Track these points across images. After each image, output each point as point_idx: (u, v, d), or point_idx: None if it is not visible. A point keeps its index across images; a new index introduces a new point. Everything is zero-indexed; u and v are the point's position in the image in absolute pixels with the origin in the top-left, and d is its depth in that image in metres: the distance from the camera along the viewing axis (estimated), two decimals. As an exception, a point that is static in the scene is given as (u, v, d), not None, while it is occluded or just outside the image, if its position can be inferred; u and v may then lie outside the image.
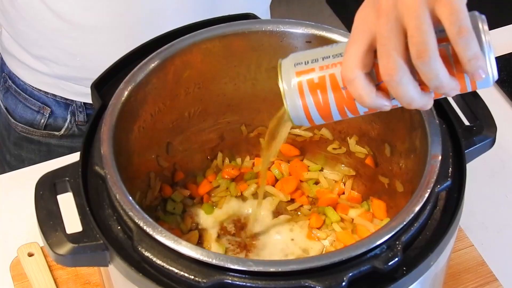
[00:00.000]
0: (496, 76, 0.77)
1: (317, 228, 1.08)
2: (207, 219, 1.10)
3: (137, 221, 0.81)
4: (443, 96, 0.81)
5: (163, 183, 1.10)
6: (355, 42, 0.77)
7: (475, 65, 0.74)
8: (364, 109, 0.82)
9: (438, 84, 0.75)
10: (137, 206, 0.83)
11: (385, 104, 0.79)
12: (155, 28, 1.05)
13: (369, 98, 0.77)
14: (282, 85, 0.84)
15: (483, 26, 0.77)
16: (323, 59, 0.82)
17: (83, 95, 1.38)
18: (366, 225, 1.08)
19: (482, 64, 0.74)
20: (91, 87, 0.97)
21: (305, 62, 0.83)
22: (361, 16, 0.78)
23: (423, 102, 0.78)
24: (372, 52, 0.77)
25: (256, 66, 1.06)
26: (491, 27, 1.55)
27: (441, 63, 0.74)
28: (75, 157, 0.93)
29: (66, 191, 0.90)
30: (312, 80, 0.82)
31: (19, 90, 1.42)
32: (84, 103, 1.41)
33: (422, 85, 0.77)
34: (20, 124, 1.44)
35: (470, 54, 0.73)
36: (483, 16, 0.78)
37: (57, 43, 1.30)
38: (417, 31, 0.73)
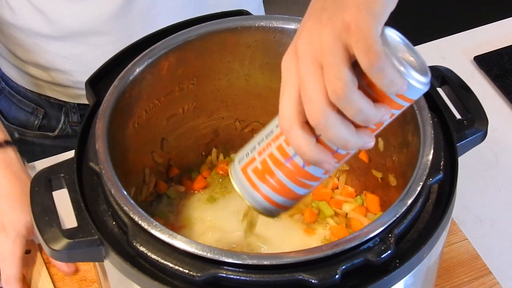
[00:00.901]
0: (427, 79, 0.74)
1: (311, 222, 1.09)
2: (202, 213, 1.10)
3: (132, 216, 0.82)
4: (382, 127, 0.77)
5: (158, 179, 1.11)
6: (284, 93, 0.74)
7: (395, 89, 0.71)
8: (317, 171, 0.80)
9: (364, 117, 0.72)
10: (132, 201, 0.83)
11: (326, 156, 0.75)
12: (147, 29, 1.06)
13: (309, 148, 0.74)
14: (236, 186, 0.84)
15: (396, 43, 0.74)
16: (259, 144, 0.82)
17: (76, 96, 1.39)
18: (360, 219, 1.08)
19: (401, 84, 0.71)
20: (86, 83, 0.97)
21: (245, 155, 0.83)
22: (285, 64, 0.75)
23: (361, 141, 0.74)
24: None
25: (249, 62, 1.06)
26: (484, 21, 1.56)
27: (360, 95, 0.71)
28: (69, 155, 0.93)
29: (61, 187, 0.90)
30: (256, 168, 0.82)
31: (12, 92, 1.42)
32: (77, 104, 1.41)
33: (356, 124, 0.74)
34: (13, 126, 1.44)
35: (386, 81, 0.70)
36: (392, 31, 0.75)
37: (48, 47, 1.30)
38: (330, 67, 0.70)
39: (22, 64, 1.36)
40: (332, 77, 0.70)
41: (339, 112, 0.72)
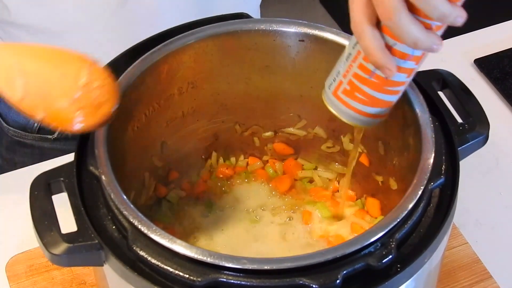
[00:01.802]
0: None
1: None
2: (202, 217, 1.10)
3: (131, 220, 0.82)
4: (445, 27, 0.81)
5: (158, 183, 1.10)
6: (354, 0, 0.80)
7: None
8: (400, 76, 0.84)
9: (440, 13, 0.75)
10: (132, 206, 0.83)
11: (390, 61, 0.80)
12: (148, 28, 1.06)
13: (376, 50, 0.80)
14: (332, 110, 0.91)
15: None
16: (342, 68, 0.88)
17: None
18: (360, 223, 1.08)
19: None
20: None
21: (333, 80, 0.90)
22: None
23: (429, 41, 0.78)
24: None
25: (249, 65, 1.06)
26: (484, 24, 1.56)
27: None
28: (68, 158, 0.93)
29: (61, 191, 0.90)
30: (345, 89, 0.88)
31: None
32: (78, 106, 1.40)
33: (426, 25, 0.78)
34: (12, 129, 1.43)
35: None
36: None
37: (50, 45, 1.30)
38: None
39: None
40: None
41: (410, 11, 0.77)
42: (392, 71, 0.81)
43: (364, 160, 1.09)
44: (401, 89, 0.88)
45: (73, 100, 0.86)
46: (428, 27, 0.79)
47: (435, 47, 0.79)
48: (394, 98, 0.89)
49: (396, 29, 0.78)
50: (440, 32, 0.81)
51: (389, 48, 0.82)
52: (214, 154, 1.15)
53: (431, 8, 0.75)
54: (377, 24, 0.81)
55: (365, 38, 0.80)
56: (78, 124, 0.86)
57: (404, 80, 0.86)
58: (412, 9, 0.77)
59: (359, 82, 0.87)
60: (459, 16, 0.77)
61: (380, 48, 0.80)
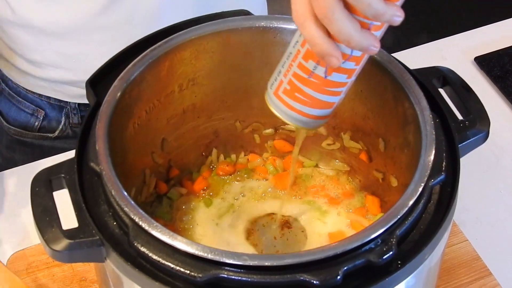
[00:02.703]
0: None
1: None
2: (202, 214, 1.10)
3: (132, 216, 0.82)
4: (385, 27, 0.80)
5: (158, 180, 1.10)
6: None
7: None
8: (339, 76, 0.84)
9: (374, 12, 0.74)
10: (133, 202, 0.83)
11: (335, 50, 0.78)
12: (148, 27, 1.06)
13: (320, 39, 0.78)
14: (273, 110, 0.90)
15: None
16: (283, 67, 0.87)
17: (78, 96, 1.38)
18: (360, 220, 1.08)
19: None
20: (86, 84, 0.97)
21: (274, 79, 0.89)
22: None
23: (364, 40, 0.77)
24: None
25: (250, 63, 1.06)
26: (484, 22, 1.56)
27: None
28: (69, 155, 0.93)
29: (62, 188, 0.90)
30: (285, 89, 0.87)
31: (12, 93, 1.42)
32: (78, 104, 1.41)
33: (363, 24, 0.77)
34: (13, 127, 1.43)
35: None
36: None
37: (51, 45, 1.30)
38: None
39: (24, 64, 1.36)
40: None
41: (346, 8, 0.76)
42: (339, 59, 0.79)
43: (364, 157, 1.09)
44: (343, 90, 0.87)
45: None
46: (365, 27, 0.77)
47: (372, 48, 0.78)
48: (335, 99, 0.87)
49: (331, 26, 0.76)
50: (379, 33, 0.79)
51: None
52: (214, 151, 1.15)
53: (365, 6, 0.74)
54: None
55: (309, 28, 0.78)
56: None
57: (344, 80, 0.85)
58: (349, 7, 0.76)
59: (299, 82, 0.85)
60: (395, 15, 0.75)
61: (324, 36, 0.78)
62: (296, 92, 0.86)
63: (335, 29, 0.76)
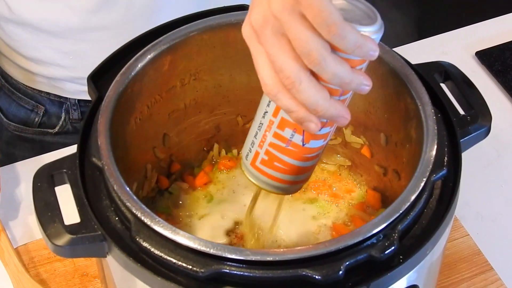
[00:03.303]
0: (379, 25, 0.76)
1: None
2: (204, 209, 1.10)
3: (134, 211, 0.82)
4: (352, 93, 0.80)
5: (160, 175, 1.10)
6: (259, 64, 0.77)
7: (363, 52, 0.73)
8: (316, 143, 0.84)
9: (340, 81, 0.74)
10: (135, 197, 0.83)
11: (311, 116, 0.76)
12: (146, 24, 1.05)
13: (296, 108, 0.76)
14: (251, 179, 0.89)
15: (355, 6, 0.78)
16: (255, 138, 0.86)
17: (78, 92, 1.38)
18: (361, 215, 1.08)
19: (369, 46, 0.73)
20: (88, 79, 0.97)
21: (249, 150, 0.88)
22: (246, 36, 0.78)
23: (333, 109, 0.76)
24: None
25: (251, 57, 1.05)
26: (485, 17, 1.56)
27: (336, 60, 0.73)
28: (70, 150, 0.93)
29: (64, 183, 0.90)
30: (263, 159, 0.86)
31: (12, 89, 1.42)
32: (78, 100, 1.41)
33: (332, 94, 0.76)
34: (12, 123, 1.43)
35: (350, 45, 0.72)
36: None
37: (49, 43, 1.30)
38: (299, 41, 0.72)
39: (23, 61, 1.36)
40: (304, 50, 0.73)
41: (314, 76, 0.75)
42: (318, 125, 0.77)
43: (366, 152, 1.09)
44: (319, 153, 0.87)
45: None
46: (336, 94, 0.77)
47: (341, 119, 0.77)
48: (313, 163, 0.87)
49: (298, 96, 0.75)
50: (346, 97, 0.79)
51: None
52: (216, 146, 1.15)
53: (330, 76, 0.73)
54: None
55: (282, 99, 0.76)
56: None
57: (321, 144, 0.85)
58: (316, 76, 0.75)
59: (276, 151, 0.84)
60: (362, 84, 0.75)
61: (300, 104, 0.76)
62: (275, 162, 0.85)
63: (302, 98, 0.75)
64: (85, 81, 0.97)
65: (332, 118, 0.77)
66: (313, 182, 1.13)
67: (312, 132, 0.78)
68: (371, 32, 0.75)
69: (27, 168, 1.23)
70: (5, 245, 1.14)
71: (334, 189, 1.12)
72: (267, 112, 0.83)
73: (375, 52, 0.74)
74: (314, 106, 0.75)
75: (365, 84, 0.75)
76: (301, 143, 0.83)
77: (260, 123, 0.85)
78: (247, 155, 0.88)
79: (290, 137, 0.83)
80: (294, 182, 0.88)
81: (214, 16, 1.02)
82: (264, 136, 0.84)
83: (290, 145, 0.83)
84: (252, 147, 0.87)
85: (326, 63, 0.73)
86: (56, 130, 1.43)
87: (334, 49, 0.73)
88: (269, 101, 0.83)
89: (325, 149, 0.87)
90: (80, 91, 1.37)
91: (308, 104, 0.75)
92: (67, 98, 1.40)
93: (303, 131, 0.82)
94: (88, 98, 0.98)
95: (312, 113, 0.76)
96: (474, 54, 1.48)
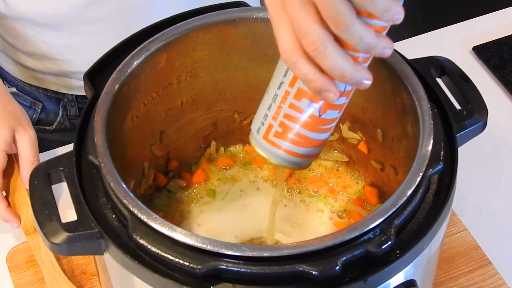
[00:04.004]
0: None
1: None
2: (201, 206, 1.10)
3: (131, 209, 0.82)
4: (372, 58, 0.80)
5: (157, 172, 1.11)
6: (280, 29, 0.76)
7: (390, 15, 0.72)
8: (332, 113, 0.83)
9: (366, 45, 0.74)
10: (132, 194, 0.83)
11: (331, 84, 0.77)
12: (142, 16, 1.05)
13: (315, 76, 0.76)
14: (261, 153, 0.88)
15: None
16: (269, 110, 0.85)
17: (75, 88, 1.38)
18: (358, 211, 1.08)
19: (396, 9, 0.72)
20: (84, 76, 0.97)
21: (261, 124, 0.87)
22: (269, 2, 0.77)
23: (358, 73, 0.76)
24: None
25: (248, 54, 1.06)
26: (483, 11, 1.56)
27: (362, 25, 0.73)
28: (67, 149, 0.93)
29: (61, 181, 0.90)
30: (277, 132, 0.85)
31: (9, 86, 1.42)
32: (75, 96, 1.41)
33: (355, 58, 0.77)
34: None
35: (380, 9, 0.72)
36: None
37: (45, 37, 1.30)
38: (326, 3, 0.72)
39: (21, 57, 1.36)
40: (331, 14, 0.72)
41: (336, 41, 0.74)
42: (336, 93, 0.77)
43: (363, 147, 1.09)
44: (333, 125, 0.86)
45: None
46: (356, 61, 0.77)
47: (365, 82, 0.77)
48: (326, 136, 0.87)
49: (324, 62, 0.74)
50: (367, 64, 0.79)
51: None
52: (213, 143, 1.15)
53: (356, 40, 0.73)
54: None
55: (301, 67, 0.76)
56: None
57: (336, 116, 0.85)
58: (339, 42, 0.75)
59: (291, 122, 0.84)
60: (387, 47, 0.75)
61: (319, 73, 0.76)
62: (289, 134, 0.85)
63: (329, 65, 0.74)
64: (82, 76, 0.97)
65: (357, 82, 0.77)
66: (310, 178, 1.13)
67: (331, 101, 0.78)
68: None
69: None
70: (42, 243, 1.13)
71: (331, 184, 1.12)
72: (283, 82, 0.83)
73: (401, 16, 0.73)
74: (340, 72, 0.75)
75: (389, 47, 0.75)
76: (317, 114, 0.83)
77: (275, 95, 0.84)
78: (259, 128, 0.87)
79: (307, 108, 0.82)
80: (307, 156, 0.87)
81: (210, 13, 1.02)
82: (279, 107, 0.84)
83: (306, 116, 0.83)
84: (265, 120, 0.86)
85: (353, 27, 0.73)
86: (54, 127, 1.43)
87: (358, 13, 0.74)
88: (286, 71, 0.82)
89: (338, 121, 0.87)
90: (78, 87, 1.37)
91: (334, 70, 0.75)
92: (64, 94, 1.40)
93: (320, 101, 0.82)
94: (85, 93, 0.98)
95: (338, 79, 0.76)
96: (471, 49, 1.48)
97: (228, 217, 1.09)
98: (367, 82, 0.77)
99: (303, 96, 0.82)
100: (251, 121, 1.13)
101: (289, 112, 0.83)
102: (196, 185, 1.13)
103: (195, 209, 1.09)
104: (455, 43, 1.50)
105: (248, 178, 1.13)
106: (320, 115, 0.83)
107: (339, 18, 0.72)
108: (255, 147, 0.88)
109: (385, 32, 0.77)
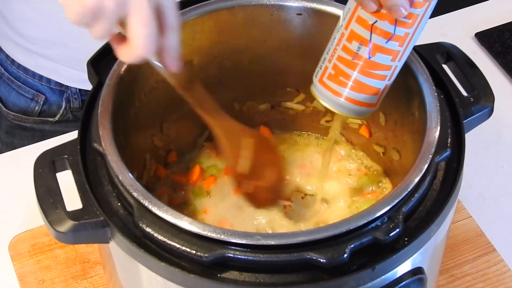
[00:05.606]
0: None
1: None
2: (201, 200, 1.09)
3: (137, 197, 0.81)
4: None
5: (158, 164, 1.09)
6: None
7: None
8: (383, 58, 0.86)
9: None
10: (137, 182, 0.82)
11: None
12: None
13: None
14: (320, 100, 0.91)
15: None
16: (327, 53, 0.89)
17: (79, 81, 1.37)
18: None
19: None
20: (88, 64, 0.96)
21: (319, 68, 0.91)
22: None
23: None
24: None
25: (247, 42, 1.05)
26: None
27: None
28: (71, 136, 0.92)
29: (65, 169, 0.89)
30: (330, 74, 0.89)
31: (12, 78, 1.41)
32: (79, 89, 1.40)
33: None
34: (12, 113, 1.43)
35: None
36: None
37: (51, 20, 1.29)
38: None
39: (28, 43, 1.34)
40: None
41: None
42: (406, 7, 0.81)
43: (364, 132, 1.09)
44: (387, 74, 0.88)
45: None
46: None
47: (402, 10, 0.81)
48: (380, 85, 0.88)
49: None
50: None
51: (370, 27, 0.83)
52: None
53: None
54: None
55: None
56: None
57: (388, 63, 0.86)
58: None
59: (343, 65, 0.87)
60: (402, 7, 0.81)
61: None
62: (340, 76, 0.87)
63: None
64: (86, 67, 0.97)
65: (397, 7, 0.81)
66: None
67: (400, 17, 0.82)
68: None
69: (27, 155, 1.23)
70: None
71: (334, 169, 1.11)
72: (341, 25, 0.86)
73: None
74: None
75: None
76: (367, 56, 0.85)
77: (334, 38, 0.88)
78: (317, 72, 0.91)
79: (357, 50, 0.86)
80: (359, 102, 0.89)
81: (208, 1, 1.01)
82: (334, 50, 0.88)
83: (356, 58, 0.86)
84: (323, 63, 0.90)
85: None
86: (57, 119, 1.43)
87: None
88: (345, 15, 0.86)
89: (395, 77, 0.89)
90: (82, 80, 1.36)
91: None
92: (68, 86, 1.39)
93: (370, 43, 0.84)
94: (89, 87, 0.97)
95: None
96: (474, 36, 1.47)
97: (230, 206, 1.08)
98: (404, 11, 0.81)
99: (353, 39, 0.85)
100: (250, 108, 1.13)
101: (341, 54, 0.87)
102: (196, 175, 1.11)
103: (196, 200, 1.08)
104: (457, 29, 1.50)
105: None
106: (369, 58, 0.85)
107: None
108: (313, 93, 0.92)
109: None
